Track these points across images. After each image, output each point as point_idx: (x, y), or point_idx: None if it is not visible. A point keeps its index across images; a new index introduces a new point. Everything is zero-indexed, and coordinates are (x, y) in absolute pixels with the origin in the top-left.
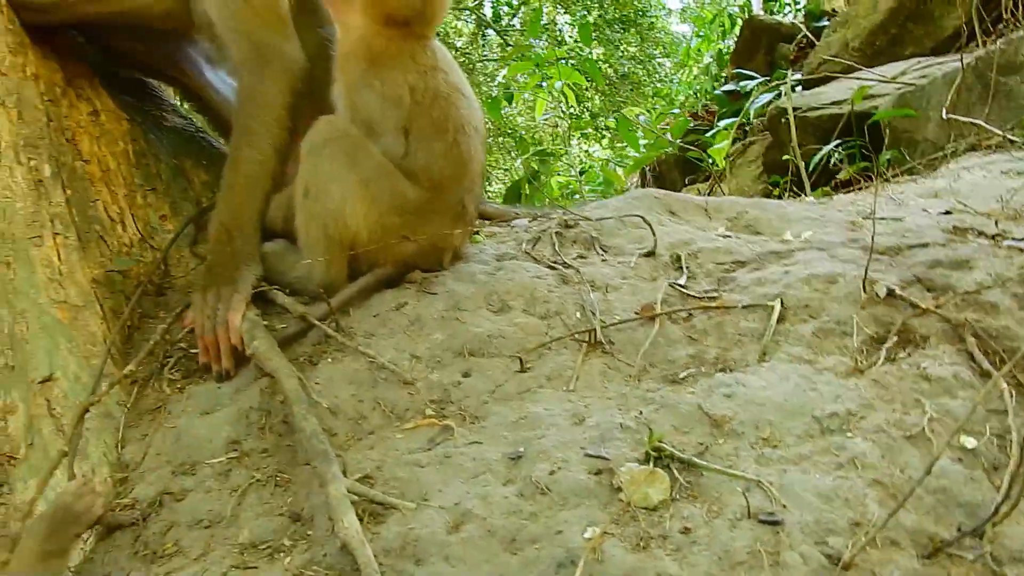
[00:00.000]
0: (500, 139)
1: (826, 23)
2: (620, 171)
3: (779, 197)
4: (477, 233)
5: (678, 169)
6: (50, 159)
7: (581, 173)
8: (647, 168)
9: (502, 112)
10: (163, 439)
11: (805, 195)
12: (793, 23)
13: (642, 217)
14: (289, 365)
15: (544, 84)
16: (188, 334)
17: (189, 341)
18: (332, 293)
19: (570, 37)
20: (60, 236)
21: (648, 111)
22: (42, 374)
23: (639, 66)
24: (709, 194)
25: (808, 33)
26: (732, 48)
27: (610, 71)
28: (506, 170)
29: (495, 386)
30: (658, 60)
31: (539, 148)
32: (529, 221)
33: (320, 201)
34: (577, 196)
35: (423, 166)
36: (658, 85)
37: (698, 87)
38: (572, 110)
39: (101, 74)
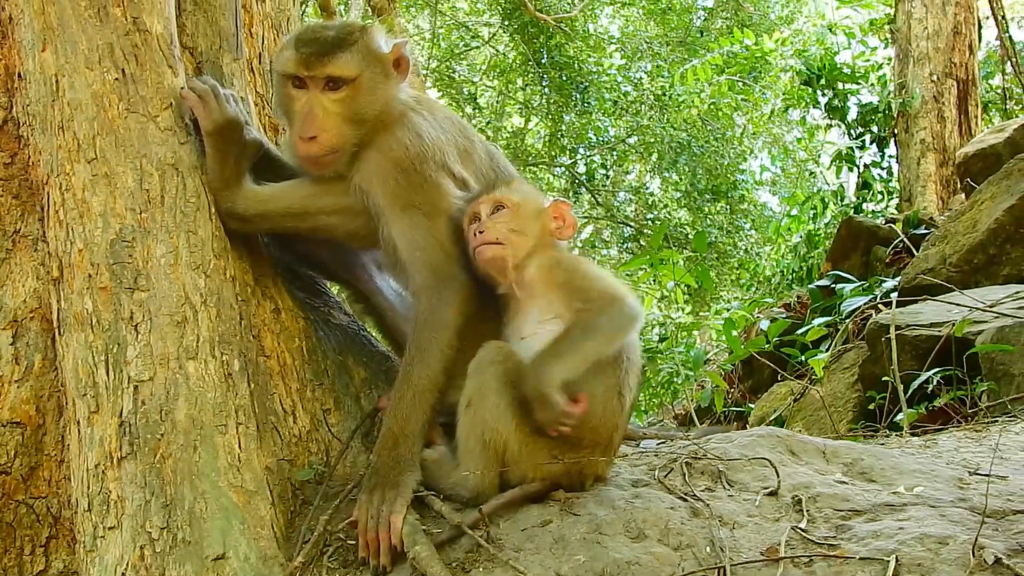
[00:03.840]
0: None
1: (923, 231)
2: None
3: (875, 412)
4: None
5: (770, 363)
6: (239, 354)
7: (661, 340)
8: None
9: None
10: None
11: (900, 413)
12: (890, 227)
13: (768, 460)
14: (448, 572)
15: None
16: (347, 525)
17: (346, 531)
18: (482, 502)
19: (660, 201)
20: (242, 426)
21: (737, 285)
22: (216, 552)
23: (727, 236)
24: (802, 396)
25: (905, 239)
26: (829, 246)
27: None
28: None
29: None
30: (746, 232)
31: (647, 347)
32: (657, 444)
33: (479, 413)
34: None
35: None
36: (743, 255)
37: (785, 265)
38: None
39: (282, 273)
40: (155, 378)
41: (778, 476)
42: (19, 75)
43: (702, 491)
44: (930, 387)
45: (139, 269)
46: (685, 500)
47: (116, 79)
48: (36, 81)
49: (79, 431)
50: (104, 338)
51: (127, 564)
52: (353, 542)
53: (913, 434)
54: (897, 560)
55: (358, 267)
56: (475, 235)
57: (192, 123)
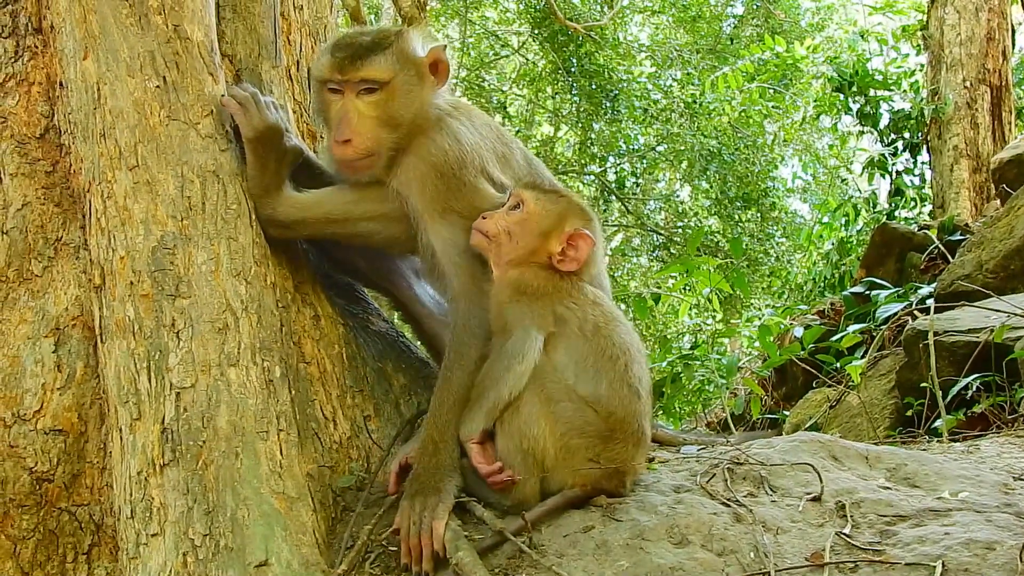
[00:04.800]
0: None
1: (958, 237)
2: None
3: (913, 418)
4: (652, 460)
5: (804, 371)
6: (280, 361)
7: (693, 347)
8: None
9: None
10: None
11: (939, 419)
12: (925, 234)
13: (811, 465)
14: None
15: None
16: (390, 532)
17: (388, 538)
18: (523, 509)
19: (690, 208)
20: (283, 433)
21: (769, 293)
22: (258, 559)
23: (758, 244)
24: (838, 403)
25: (940, 245)
26: (862, 252)
27: (726, 245)
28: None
29: None
30: (777, 239)
31: (682, 353)
32: (698, 449)
33: (514, 418)
34: (715, 404)
35: (595, 395)
36: (774, 263)
37: (817, 273)
38: (711, 317)
39: (321, 279)
40: (197, 385)
41: (821, 481)
42: (60, 84)
43: (744, 496)
44: (969, 393)
45: (180, 276)
46: (728, 506)
47: (157, 87)
48: (78, 89)
49: (121, 438)
50: (146, 345)
51: (170, 571)
52: (395, 548)
53: (953, 440)
54: (943, 565)
55: (396, 274)
56: (480, 218)
57: (233, 130)
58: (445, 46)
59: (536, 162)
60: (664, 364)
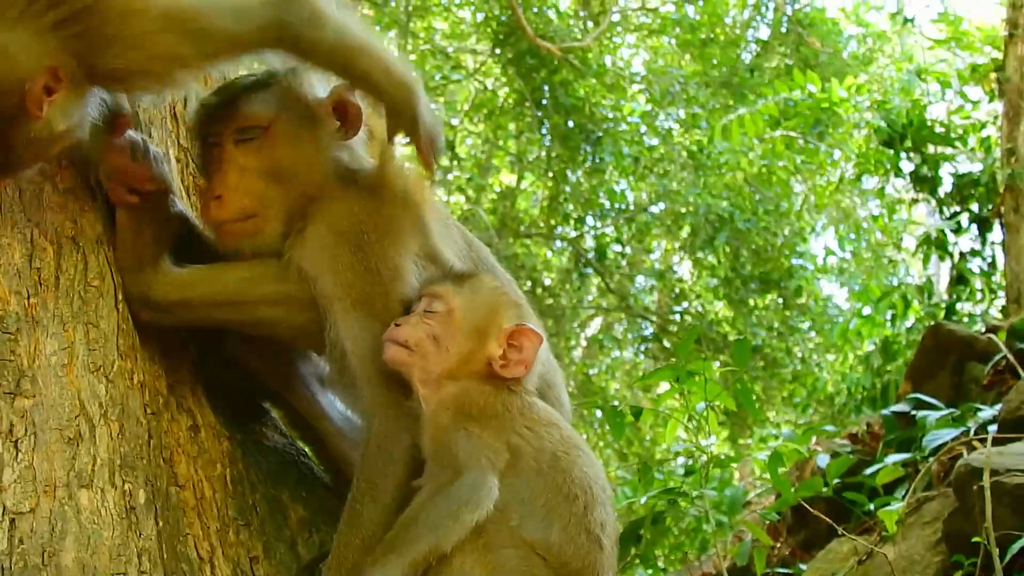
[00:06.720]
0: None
1: None
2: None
3: None
4: None
5: (827, 510)
6: (146, 483)
7: (687, 474)
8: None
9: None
10: None
11: None
12: (990, 338)
13: None
14: None
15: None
16: None
17: None
18: None
19: (691, 289)
20: (146, 575)
21: (789, 405)
22: None
23: (778, 339)
24: (868, 558)
25: (1009, 355)
26: (910, 358)
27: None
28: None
29: None
30: (803, 334)
31: (668, 486)
32: None
33: (442, 570)
34: (713, 551)
35: (546, 542)
36: (798, 365)
37: (853, 382)
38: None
39: (204, 380)
40: (38, 510)
41: None
42: None
43: None
44: None
45: (23, 369)
46: None
47: None
48: None
49: None
50: None
51: None
52: None
53: None
54: None
55: (297, 380)
56: (393, 326)
57: (98, 184)
58: (353, 87)
59: (477, 244)
60: (643, 500)
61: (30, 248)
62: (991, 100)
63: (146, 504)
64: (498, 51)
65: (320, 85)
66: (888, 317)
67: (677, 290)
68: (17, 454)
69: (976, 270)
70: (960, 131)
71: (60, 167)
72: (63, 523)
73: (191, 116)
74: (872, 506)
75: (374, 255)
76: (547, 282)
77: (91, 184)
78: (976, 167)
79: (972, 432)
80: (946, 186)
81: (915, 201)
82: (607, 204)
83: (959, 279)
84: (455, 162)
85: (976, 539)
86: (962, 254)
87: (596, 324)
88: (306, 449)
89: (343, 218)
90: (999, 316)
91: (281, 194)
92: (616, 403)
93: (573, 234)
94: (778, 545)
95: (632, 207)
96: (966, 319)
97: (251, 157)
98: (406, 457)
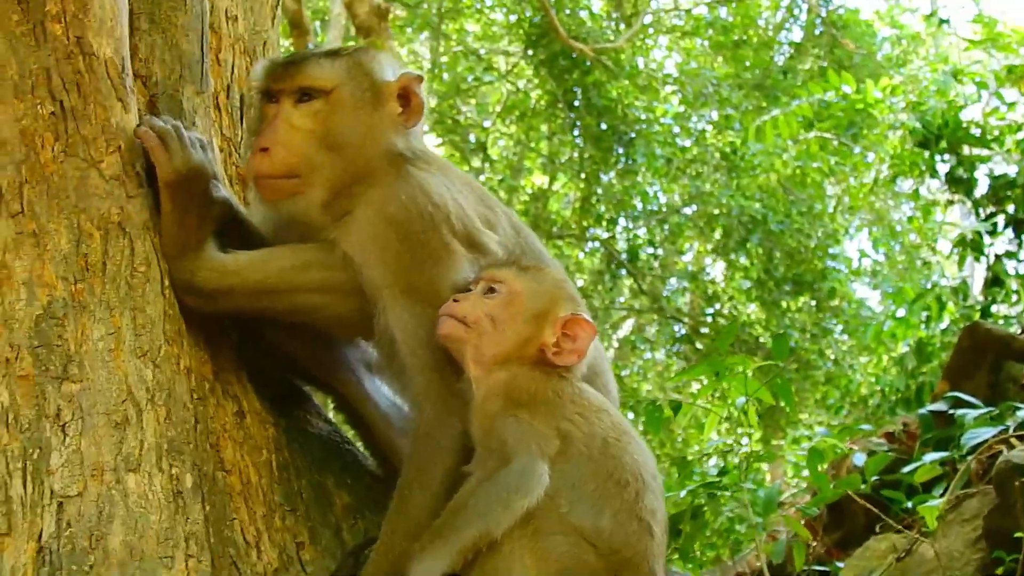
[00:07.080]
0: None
1: None
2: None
3: None
4: None
5: (865, 508)
6: (193, 467)
7: (721, 473)
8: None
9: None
10: None
11: None
12: None
13: None
14: None
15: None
16: None
17: None
18: None
19: (724, 291)
20: (193, 559)
21: (823, 407)
22: None
23: (811, 341)
24: (908, 554)
25: None
26: (946, 359)
27: (768, 342)
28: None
29: None
30: (837, 337)
31: (707, 480)
32: None
33: (491, 557)
34: (748, 550)
35: (596, 528)
36: (832, 367)
37: (888, 383)
38: (747, 435)
39: (248, 366)
40: (85, 494)
41: None
42: None
43: None
44: None
45: (71, 354)
46: None
47: (52, 113)
48: None
49: None
50: (22, 440)
51: None
52: None
53: None
54: None
55: (342, 366)
56: (451, 301)
57: (146, 171)
58: (422, 78)
59: (527, 231)
60: (683, 494)
61: (77, 234)
62: None
63: (193, 488)
64: (530, 52)
65: (390, 68)
66: (923, 319)
67: (710, 292)
68: (65, 438)
69: (1012, 272)
70: (996, 132)
71: (106, 153)
72: (110, 507)
73: (252, 72)
74: (911, 504)
75: (423, 242)
76: (579, 283)
77: (137, 171)
78: (1012, 169)
79: (1011, 430)
80: (982, 188)
81: (950, 203)
82: (639, 205)
83: (994, 281)
84: (487, 164)
85: (1018, 535)
86: (997, 256)
87: (628, 325)
88: (351, 435)
89: (392, 204)
90: None
91: (329, 162)
92: (657, 399)
93: (605, 235)
94: (814, 544)
95: (665, 208)
96: (1001, 321)
97: (308, 119)
98: (456, 444)
